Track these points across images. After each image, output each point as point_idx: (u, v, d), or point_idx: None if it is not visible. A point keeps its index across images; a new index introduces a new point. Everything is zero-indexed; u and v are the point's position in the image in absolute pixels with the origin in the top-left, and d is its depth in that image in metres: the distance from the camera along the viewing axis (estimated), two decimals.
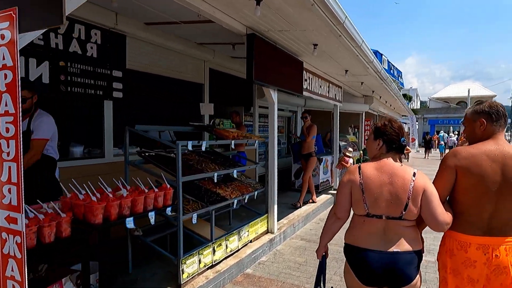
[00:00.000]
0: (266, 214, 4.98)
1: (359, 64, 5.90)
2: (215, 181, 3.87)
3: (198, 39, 5.40)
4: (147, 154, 3.64)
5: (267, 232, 4.96)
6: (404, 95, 59.84)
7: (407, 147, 9.11)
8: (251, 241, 4.53)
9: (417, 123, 37.05)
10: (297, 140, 7.06)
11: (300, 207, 6.47)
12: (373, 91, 9.85)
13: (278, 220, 5.53)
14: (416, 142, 25.44)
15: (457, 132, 23.68)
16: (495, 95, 50.68)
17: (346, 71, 6.63)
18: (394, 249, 1.82)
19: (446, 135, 24.42)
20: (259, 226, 4.78)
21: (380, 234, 1.85)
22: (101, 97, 4.18)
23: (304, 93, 6.06)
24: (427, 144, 21.51)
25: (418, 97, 68.31)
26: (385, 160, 1.93)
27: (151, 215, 2.78)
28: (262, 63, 4.32)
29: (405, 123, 27.24)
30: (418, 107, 58.72)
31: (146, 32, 4.62)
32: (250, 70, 4.07)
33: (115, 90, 4.32)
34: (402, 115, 25.69)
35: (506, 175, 1.76)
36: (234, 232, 4.14)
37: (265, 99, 6.08)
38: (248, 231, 4.47)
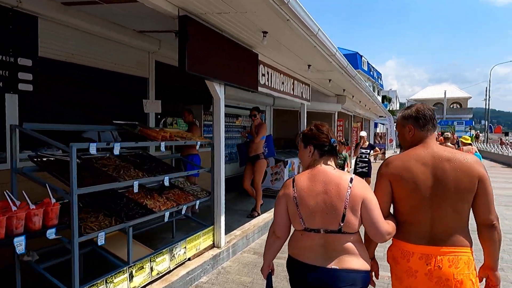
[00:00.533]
0: (212, 226, 4.36)
1: (321, 57, 5.36)
2: (136, 190, 3.21)
3: (137, 26, 4.73)
4: (43, 159, 2.95)
5: (212, 246, 4.33)
6: (384, 97, 60.95)
7: (376, 148, 8.69)
8: (189, 259, 3.89)
9: (395, 124, 37.46)
10: (245, 140, 6.41)
11: (258, 215, 5.87)
12: (344, 90, 9.38)
13: (230, 231, 4.94)
14: (394, 143, 25.49)
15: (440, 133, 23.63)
16: (470, 97, 51.89)
17: (309, 66, 6.09)
18: (333, 265, 1.66)
19: None
20: (201, 240, 4.15)
21: (319, 250, 1.69)
22: (1, 90, 3.45)
23: (262, 89, 5.48)
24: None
25: (397, 99, 69.50)
26: (319, 168, 1.77)
27: (19, 241, 2.10)
28: (201, 51, 3.70)
29: (383, 124, 27.25)
30: (398, 108, 59.70)
31: (66, 15, 3.91)
32: (182, 58, 3.44)
33: (21, 82, 3.59)
34: (380, 116, 25.67)
35: (437, 178, 1.67)
36: (163, 250, 3.49)
37: (228, 97, 5.46)
38: (185, 247, 3.83)
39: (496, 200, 1.77)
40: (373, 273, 1.91)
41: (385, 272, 1.94)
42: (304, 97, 7.69)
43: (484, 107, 35.18)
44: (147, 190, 3.81)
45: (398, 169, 1.73)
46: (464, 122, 36.24)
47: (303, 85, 7.62)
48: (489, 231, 1.67)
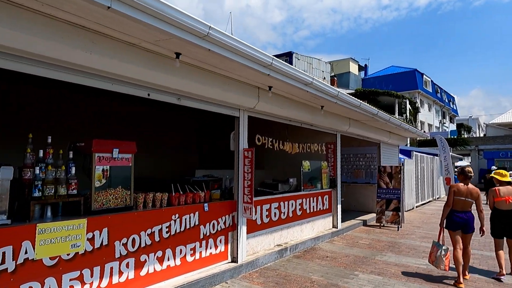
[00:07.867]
0: None
1: None
2: None
3: None
4: None
5: None
6: (461, 125, 49.32)
7: None
8: None
9: (461, 157, 27.35)
10: None
11: None
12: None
13: None
14: (452, 183, 16.68)
15: None
16: None
17: None
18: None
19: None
20: None
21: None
22: None
23: None
24: (488, 186, 13.50)
25: (480, 128, 56.67)
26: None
27: None
28: None
29: (436, 155, 18.55)
30: (481, 135, 47.84)
31: None
32: None
33: None
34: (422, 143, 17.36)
35: None
36: None
37: None
38: None
39: None
40: None
41: None
42: None
43: None
44: None
45: None
46: None
47: None
48: None
